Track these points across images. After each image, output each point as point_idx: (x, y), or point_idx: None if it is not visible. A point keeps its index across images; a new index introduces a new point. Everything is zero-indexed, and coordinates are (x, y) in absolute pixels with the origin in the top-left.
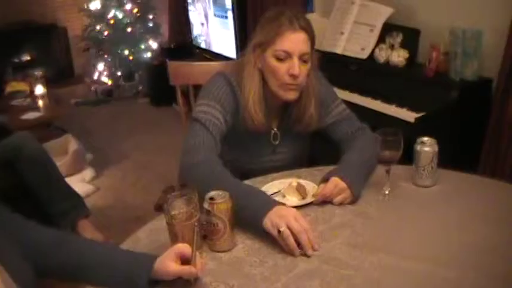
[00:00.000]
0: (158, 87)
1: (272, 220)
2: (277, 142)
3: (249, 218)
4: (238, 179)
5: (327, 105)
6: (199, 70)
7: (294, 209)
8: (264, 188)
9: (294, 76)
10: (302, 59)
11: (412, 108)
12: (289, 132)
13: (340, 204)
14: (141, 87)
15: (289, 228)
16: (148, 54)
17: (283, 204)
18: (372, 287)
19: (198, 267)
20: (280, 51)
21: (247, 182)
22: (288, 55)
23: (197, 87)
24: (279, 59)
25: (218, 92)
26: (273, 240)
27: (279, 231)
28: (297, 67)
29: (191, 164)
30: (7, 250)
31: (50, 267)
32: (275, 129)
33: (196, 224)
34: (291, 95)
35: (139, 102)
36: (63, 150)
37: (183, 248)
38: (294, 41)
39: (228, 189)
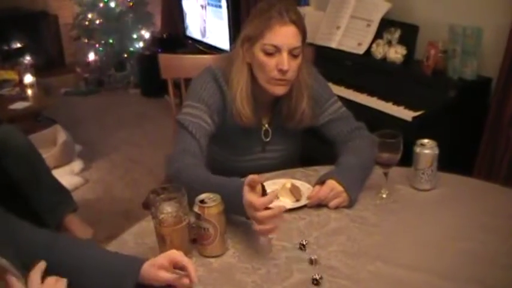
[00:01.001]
0: (149, 77)
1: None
2: (268, 139)
3: (235, 212)
4: (219, 176)
5: (322, 103)
6: (190, 63)
7: (245, 193)
8: None
9: (282, 71)
10: (292, 53)
11: (409, 106)
12: (281, 129)
13: (336, 208)
14: (132, 78)
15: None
16: (141, 44)
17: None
18: None
19: (193, 275)
20: (269, 45)
21: None
22: (277, 49)
23: (189, 80)
24: (268, 54)
25: (203, 91)
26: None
27: None
28: (286, 62)
29: (172, 172)
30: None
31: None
32: (266, 125)
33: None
34: (280, 90)
35: (130, 92)
36: (52, 141)
37: (178, 256)
38: (283, 35)
39: (209, 190)
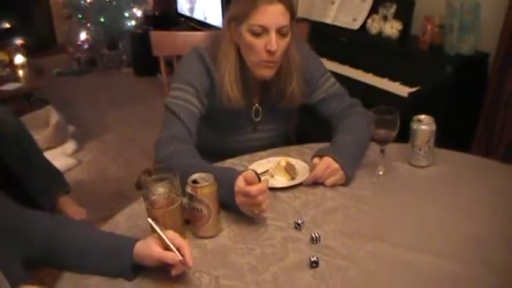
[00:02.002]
0: (142, 56)
1: (240, 207)
2: (258, 119)
3: (226, 203)
4: (209, 163)
5: (315, 80)
6: (183, 40)
7: (241, 177)
8: (251, 167)
9: (271, 52)
10: (280, 32)
11: (405, 82)
12: (272, 109)
13: (333, 186)
14: (124, 57)
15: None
16: (133, 23)
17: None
18: (368, 280)
19: (188, 259)
20: (256, 25)
21: (232, 160)
22: (265, 30)
23: (181, 57)
24: (255, 34)
25: (190, 73)
26: (260, 225)
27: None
28: (274, 43)
29: (161, 158)
30: None
31: (37, 256)
32: (256, 104)
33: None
34: (267, 73)
35: (123, 72)
36: (44, 123)
37: (174, 237)
38: (270, 14)
39: None
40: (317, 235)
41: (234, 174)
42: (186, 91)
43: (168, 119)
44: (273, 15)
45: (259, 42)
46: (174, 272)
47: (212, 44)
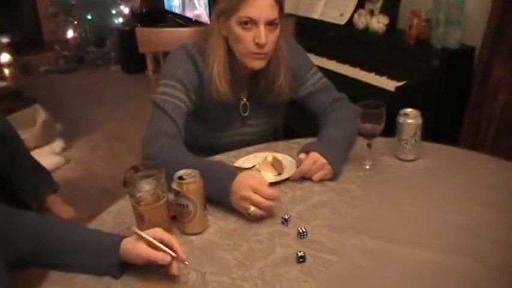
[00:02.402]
0: (130, 53)
1: (237, 200)
2: (246, 114)
3: (215, 197)
4: (199, 157)
5: (302, 75)
6: (169, 36)
7: (253, 174)
8: (237, 163)
9: (260, 45)
10: (269, 25)
11: (392, 76)
12: (260, 103)
13: (320, 181)
14: (112, 54)
15: (255, 203)
16: (120, 20)
17: (243, 169)
18: (355, 273)
19: (180, 251)
20: (245, 17)
21: (219, 156)
22: (254, 22)
23: (167, 54)
24: (244, 27)
25: (178, 69)
26: (247, 221)
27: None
28: (263, 35)
29: (149, 154)
30: None
31: (25, 257)
32: (244, 99)
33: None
34: (258, 64)
35: (111, 69)
36: (32, 121)
37: (162, 234)
38: (259, 7)
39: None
40: (304, 230)
41: (229, 169)
42: (174, 87)
43: (156, 115)
44: (262, 8)
45: (248, 35)
46: (173, 272)
47: (200, 39)
